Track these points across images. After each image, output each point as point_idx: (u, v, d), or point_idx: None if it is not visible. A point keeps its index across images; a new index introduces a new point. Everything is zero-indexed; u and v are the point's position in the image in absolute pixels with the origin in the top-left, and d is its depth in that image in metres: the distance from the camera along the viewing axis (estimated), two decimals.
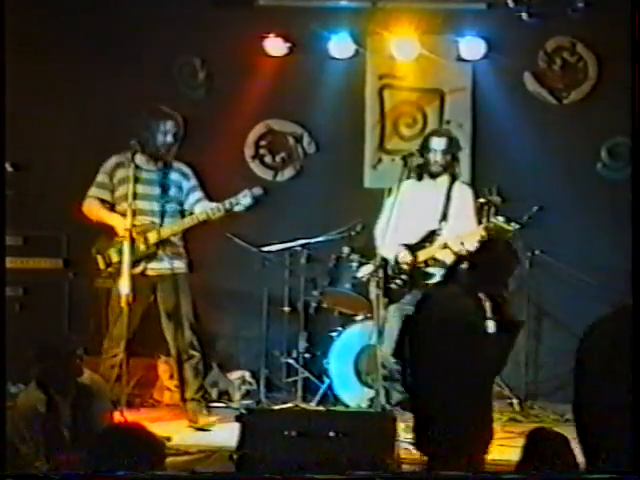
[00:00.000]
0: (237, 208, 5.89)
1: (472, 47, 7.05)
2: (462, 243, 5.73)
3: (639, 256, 4.10)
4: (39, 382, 4.46)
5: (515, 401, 6.70)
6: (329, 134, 7.31)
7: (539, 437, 3.81)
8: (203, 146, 6.98)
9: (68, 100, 7.25)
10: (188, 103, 7.26)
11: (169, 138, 6.02)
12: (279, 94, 7.21)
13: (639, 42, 4.22)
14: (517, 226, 5.58)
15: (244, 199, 5.85)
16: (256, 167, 7.40)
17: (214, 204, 5.96)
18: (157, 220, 5.95)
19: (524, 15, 6.87)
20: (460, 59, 7.13)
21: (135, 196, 5.88)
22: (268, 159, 7.41)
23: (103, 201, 6.05)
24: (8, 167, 6.57)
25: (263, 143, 7.40)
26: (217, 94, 7.33)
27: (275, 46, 7.16)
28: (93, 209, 6.06)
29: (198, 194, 6.11)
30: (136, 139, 5.93)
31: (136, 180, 5.92)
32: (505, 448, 5.07)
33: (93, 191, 6.08)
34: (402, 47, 7.05)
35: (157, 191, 6.00)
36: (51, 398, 4.42)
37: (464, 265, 5.47)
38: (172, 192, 6.05)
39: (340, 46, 7.14)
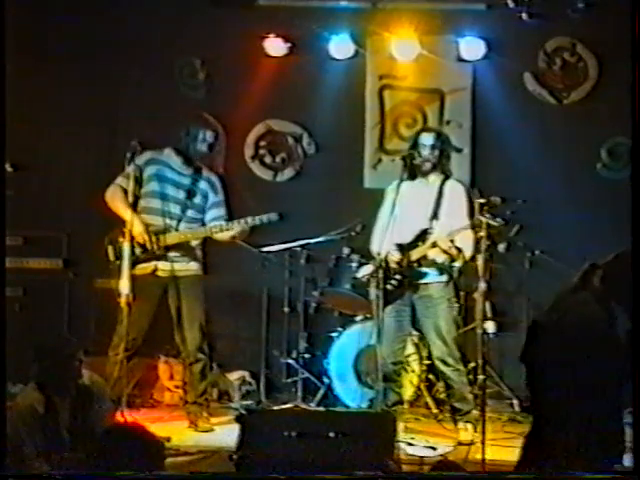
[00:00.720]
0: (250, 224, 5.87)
1: (472, 47, 7.06)
2: (451, 241, 5.73)
3: (639, 256, 4.10)
4: (38, 382, 4.45)
5: (515, 401, 6.69)
6: (329, 134, 7.30)
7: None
8: None
9: (68, 100, 7.24)
10: (188, 103, 7.25)
11: (205, 147, 6.00)
12: (279, 94, 7.20)
13: (639, 42, 4.22)
14: (502, 222, 5.57)
15: (260, 221, 5.83)
16: (256, 167, 7.41)
17: (229, 222, 5.92)
18: (174, 223, 5.92)
19: (524, 15, 6.87)
20: (460, 59, 7.14)
21: (156, 195, 5.89)
22: (268, 159, 7.41)
23: (127, 193, 5.97)
24: (8, 167, 6.57)
25: (263, 143, 7.40)
26: (217, 94, 7.32)
27: (275, 46, 7.16)
28: (115, 198, 5.93)
29: (218, 212, 6.05)
30: (172, 140, 5.94)
31: (164, 180, 5.91)
32: (505, 448, 5.09)
33: (120, 180, 5.95)
34: (402, 47, 7.05)
35: (182, 195, 5.96)
36: (50, 399, 4.41)
37: (599, 273, 5.27)
38: (197, 199, 6.00)
39: (340, 46, 7.14)
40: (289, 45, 7.18)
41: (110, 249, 5.92)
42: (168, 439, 5.26)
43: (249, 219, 5.83)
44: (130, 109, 7.27)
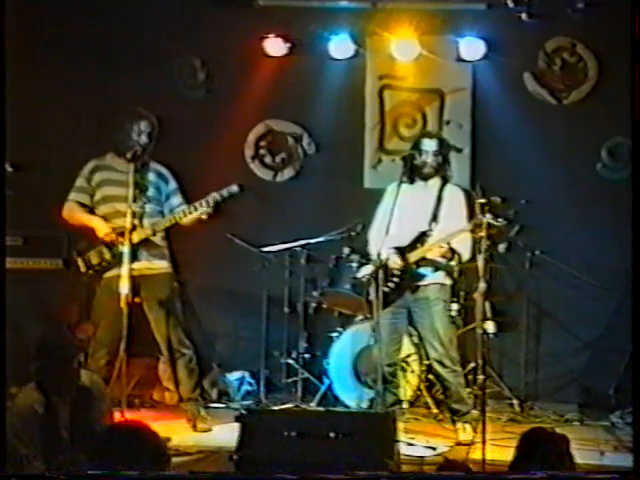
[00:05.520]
0: (217, 199, 5.84)
1: (472, 47, 7.05)
2: (448, 243, 5.74)
3: (639, 256, 4.10)
4: (38, 382, 4.45)
5: (515, 402, 6.70)
6: (329, 134, 7.30)
7: (533, 437, 3.80)
8: (203, 146, 6.99)
9: (68, 100, 7.24)
10: (188, 103, 7.25)
11: (144, 138, 6.00)
12: (279, 94, 7.20)
13: (639, 42, 4.22)
14: (504, 222, 5.58)
15: (219, 196, 5.82)
16: (256, 167, 7.40)
17: (190, 205, 5.93)
18: (135, 221, 5.87)
19: (524, 15, 6.86)
20: (460, 59, 7.13)
21: (112, 199, 5.89)
22: (268, 159, 7.40)
23: (83, 205, 6.05)
24: (8, 167, 6.56)
25: (263, 143, 7.40)
26: (217, 94, 7.32)
27: (275, 46, 7.15)
28: (73, 213, 6.08)
29: (178, 199, 6.08)
30: (109, 141, 5.96)
31: (113, 183, 5.92)
32: (505, 449, 5.08)
33: (72, 195, 6.09)
34: (402, 48, 7.04)
35: (134, 192, 5.94)
36: (49, 399, 4.41)
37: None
38: (150, 193, 6.00)
39: (340, 46, 7.13)
40: (289, 45, 7.17)
41: (80, 261, 5.98)
42: (168, 439, 5.25)
43: (210, 198, 5.82)
44: (130, 109, 7.25)
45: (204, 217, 5.89)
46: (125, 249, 5.67)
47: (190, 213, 5.88)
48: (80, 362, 4.54)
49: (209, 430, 5.99)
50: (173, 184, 6.12)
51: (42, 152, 7.29)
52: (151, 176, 6.04)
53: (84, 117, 7.31)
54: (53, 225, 7.02)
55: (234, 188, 5.83)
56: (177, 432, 5.76)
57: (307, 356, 6.92)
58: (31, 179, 7.17)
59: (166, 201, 6.07)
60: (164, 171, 6.12)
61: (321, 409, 6.31)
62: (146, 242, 5.92)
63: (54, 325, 6.86)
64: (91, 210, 6.05)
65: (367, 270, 5.92)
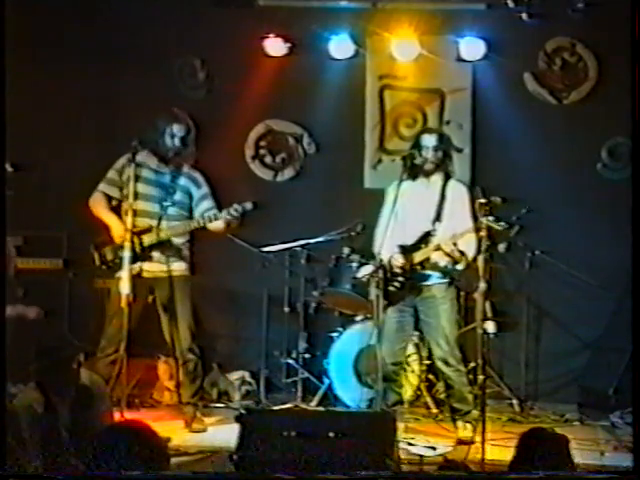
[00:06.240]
0: (229, 218, 5.84)
1: (472, 47, 7.05)
2: (454, 244, 5.73)
3: (639, 256, 4.10)
4: (38, 383, 4.45)
5: (515, 401, 6.70)
6: (329, 134, 7.30)
7: (533, 437, 3.81)
8: (203, 146, 6.98)
9: (68, 100, 7.24)
10: (188, 103, 7.25)
11: (177, 142, 5.99)
12: (279, 94, 7.20)
13: (639, 42, 4.22)
14: (506, 225, 5.57)
15: (234, 212, 5.81)
16: (256, 167, 7.40)
17: (208, 213, 5.93)
18: (154, 222, 5.91)
19: (524, 15, 6.86)
20: (460, 59, 7.12)
21: (138, 196, 5.88)
22: (268, 159, 7.41)
23: (110, 198, 6.04)
24: (8, 167, 6.57)
25: (263, 143, 7.40)
26: (217, 94, 7.32)
27: (275, 46, 7.16)
28: (97, 204, 6.05)
29: (208, 203, 6.06)
30: (144, 140, 5.92)
31: (142, 180, 5.91)
32: (505, 448, 5.09)
33: (102, 186, 6.06)
34: (402, 48, 7.04)
35: (161, 193, 5.97)
36: (49, 399, 4.41)
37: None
38: (178, 196, 6.00)
39: (340, 46, 7.13)
40: (289, 45, 7.17)
41: (96, 255, 5.98)
42: (168, 439, 5.26)
43: (225, 211, 5.81)
44: (130, 109, 7.27)
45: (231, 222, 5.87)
46: (126, 252, 5.66)
47: (210, 221, 5.88)
48: (80, 362, 4.54)
49: (204, 430, 5.99)
50: (205, 189, 6.10)
51: (42, 152, 7.29)
52: (183, 180, 6.03)
53: (84, 117, 7.31)
54: (53, 225, 7.05)
55: (249, 205, 5.82)
56: (177, 432, 5.77)
57: (307, 356, 6.92)
58: (31, 179, 7.17)
59: (197, 206, 6.06)
60: (198, 176, 6.10)
61: (321, 409, 6.32)
62: (163, 244, 5.91)
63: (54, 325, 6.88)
64: (119, 203, 6.01)
65: (367, 270, 5.92)
